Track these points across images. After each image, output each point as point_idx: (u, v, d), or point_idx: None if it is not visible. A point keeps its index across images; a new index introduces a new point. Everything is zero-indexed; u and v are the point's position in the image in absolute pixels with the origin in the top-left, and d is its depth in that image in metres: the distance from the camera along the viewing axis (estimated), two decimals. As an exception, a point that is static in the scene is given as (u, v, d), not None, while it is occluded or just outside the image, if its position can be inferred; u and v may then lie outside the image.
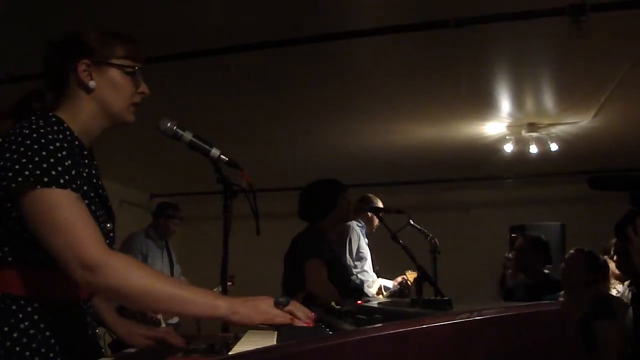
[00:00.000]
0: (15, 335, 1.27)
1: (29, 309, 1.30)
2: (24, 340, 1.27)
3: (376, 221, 4.46)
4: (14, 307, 1.28)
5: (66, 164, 1.27)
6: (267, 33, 3.33)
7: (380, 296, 4.34)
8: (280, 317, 1.23)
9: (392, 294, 4.33)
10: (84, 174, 1.36)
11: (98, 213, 1.36)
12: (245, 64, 3.78)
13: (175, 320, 4.90)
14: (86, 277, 1.20)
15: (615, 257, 3.37)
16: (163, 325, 4.49)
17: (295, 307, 1.27)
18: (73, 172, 1.28)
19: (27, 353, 1.27)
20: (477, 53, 3.70)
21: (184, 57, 3.54)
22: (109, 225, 1.43)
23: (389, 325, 0.78)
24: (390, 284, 4.48)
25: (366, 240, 4.38)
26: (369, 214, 4.27)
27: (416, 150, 5.97)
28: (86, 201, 1.32)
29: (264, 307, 1.24)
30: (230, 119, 4.94)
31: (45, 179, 1.23)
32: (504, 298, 4.36)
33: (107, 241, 1.39)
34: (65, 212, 1.23)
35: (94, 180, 1.41)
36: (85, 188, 1.33)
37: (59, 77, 1.42)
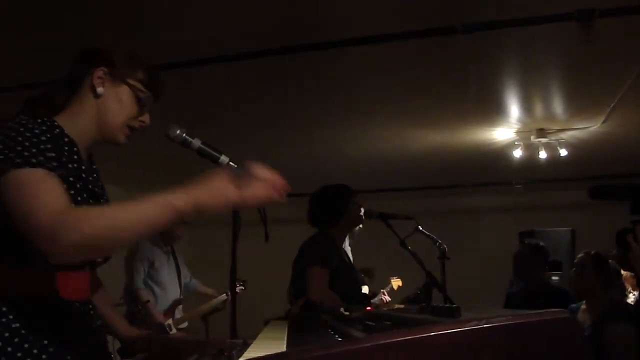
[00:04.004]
0: (6, 335, 1.28)
1: (19, 310, 1.30)
2: (16, 340, 1.28)
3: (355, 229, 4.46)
4: (4, 309, 1.30)
5: (42, 147, 1.28)
6: (273, 39, 3.34)
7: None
8: (246, 194, 1.23)
9: (408, 299, 4.32)
10: (69, 166, 1.37)
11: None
12: (253, 71, 3.80)
13: (184, 324, 4.92)
14: (52, 249, 1.17)
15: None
16: (174, 331, 4.51)
17: (255, 171, 1.27)
18: (51, 154, 1.28)
19: (19, 354, 1.28)
20: (485, 59, 3.69)
21: (191, 65, 3.56)
22: None
23: (397, 333, 0.78)
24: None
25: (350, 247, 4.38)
26: None
27: (424, 156, 5.96)
28: (72, 192, 1.33)
29: (223, 190, 1.23)
30: (237, 126, 4.96)
31: (18, 161, 1.23)
32: (504, 304, 4.35)
33: None
34: (29, 189, 1.21)
35: (90, 179, 1.45)
36: (71, 179, 1.35)
37: (76, 79, 1.48)
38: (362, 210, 3.27)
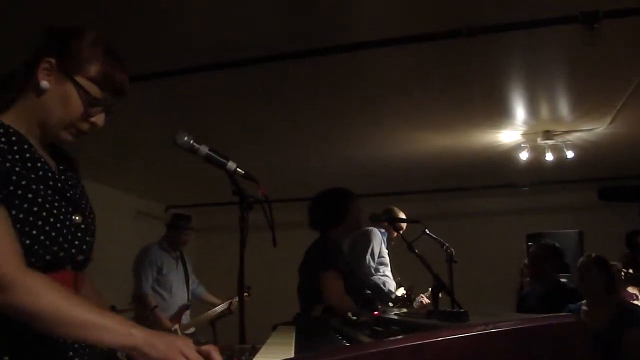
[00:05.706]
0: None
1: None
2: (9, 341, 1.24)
3: (394, 234, 4.47)
4: None
5: None
6: (284, 44, 3.36)
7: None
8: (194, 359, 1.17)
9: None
10: (31, 173, 1.27)
11: (56, 208, 1.29)
12: (259, 75, 3.81)
13: (191, 330, 4.93)
14: None
15: (623, 266, 3.36)
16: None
17: (213, 349, 1.21)
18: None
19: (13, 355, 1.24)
20: (490, 61, 3.70)
21: (194, 71, 3.58)
22: (76, 217, 1.34)
23: (406, 338, 0.78)
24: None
25: (387, 250, 4.39)
26: (386, 224, 4.28)
27: (431, 159, 5.96)
28: (39, 199, 1.25)
29: (180, 347, 1.18)
30: (244, 130, 4.98)
31: None
32: (516, 306, 4.32)
33: (79, 234, 1.34)
34: None
35: (49, 174, 1.31)
36: (34, 187, 1.25)
37: (29, 66, 1.30)
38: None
